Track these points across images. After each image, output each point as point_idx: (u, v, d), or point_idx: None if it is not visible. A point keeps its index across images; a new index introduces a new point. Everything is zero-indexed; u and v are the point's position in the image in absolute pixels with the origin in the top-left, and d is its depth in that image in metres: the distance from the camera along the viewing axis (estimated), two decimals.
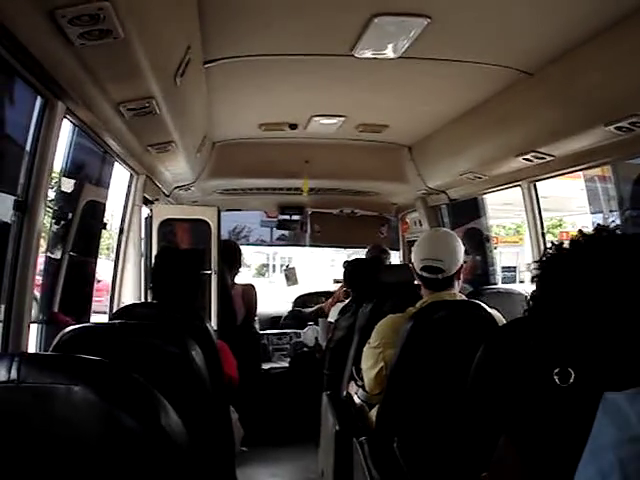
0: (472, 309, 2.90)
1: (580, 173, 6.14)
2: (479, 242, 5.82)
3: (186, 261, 3.19)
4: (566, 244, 1.29)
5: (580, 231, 1.30)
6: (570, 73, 2.95)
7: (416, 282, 3.17)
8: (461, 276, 3.10)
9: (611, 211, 6.04)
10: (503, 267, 6.79)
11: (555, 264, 1.30)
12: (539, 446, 1.28)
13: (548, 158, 3.66)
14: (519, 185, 4.36)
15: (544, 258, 1.32)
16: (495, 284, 5.84)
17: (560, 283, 1.26)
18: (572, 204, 9.56)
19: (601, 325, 1.18)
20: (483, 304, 2.92)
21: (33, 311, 2.51)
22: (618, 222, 5.79)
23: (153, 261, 3.38)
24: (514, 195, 4.62)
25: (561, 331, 1.23)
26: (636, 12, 2.36)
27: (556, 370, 1.21)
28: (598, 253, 1.24)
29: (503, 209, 8.97)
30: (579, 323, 1.21)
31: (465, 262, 3.15)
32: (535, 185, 4.30)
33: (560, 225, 12.42)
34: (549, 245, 1.33)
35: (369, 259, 5.83)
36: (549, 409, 1.26)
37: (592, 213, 7.34)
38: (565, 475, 1.13)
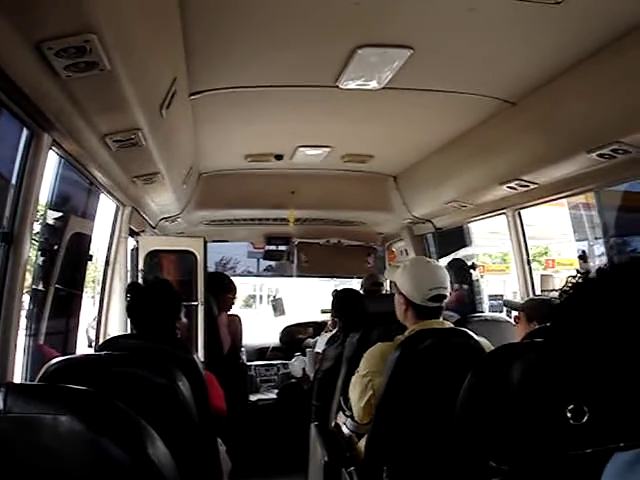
0: (459, 337, 2.90)
1: (564, 201, 6.19)
2: (465, 270, 5.84)
3: (153, 293, 3.20)
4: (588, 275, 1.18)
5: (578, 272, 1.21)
6: (552, 102, 2.99)
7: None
8: None
9: (596, 238, 6.08)
10: (490, 295, 6.81)
11: (581, 293, 1.18)
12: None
13: (532, 186, 3.69)
14: (504, 213, 4.39)
15: (568, 288, 1.19)
16: (482, 312, 5.85)
17: (586, 315, 1.14)
18: (558, 232, 9.63)
19: (624, 364, 1.06)
20: (470, 332, 2.93)
21: (19, 343, 2.49)
22: (603, 250, 5.83)
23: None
24: (500, 224, 4.65)
25: (581, 366, 1.13)
26: (615, 41, 2.41)
27: (570, 407, 1.13)
28: (622, 287, 1.12)
29: (490, 237, 9.01)
30: (602, 359, 1.09)
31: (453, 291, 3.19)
32: (520, 213, 4.34)
33: (546, 253, 12.49)
34: (572, 275, 1.20)
35: (358, 290, 5.83)
36: (556, 445, 1.21)
37: (577, 241, 7.39)
38: None
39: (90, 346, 5.35)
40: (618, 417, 1.08)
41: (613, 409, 1.08)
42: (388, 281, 6.11)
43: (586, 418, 1.11)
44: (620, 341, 1.07)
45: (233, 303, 5.79)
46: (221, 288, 5.42)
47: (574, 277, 1.19)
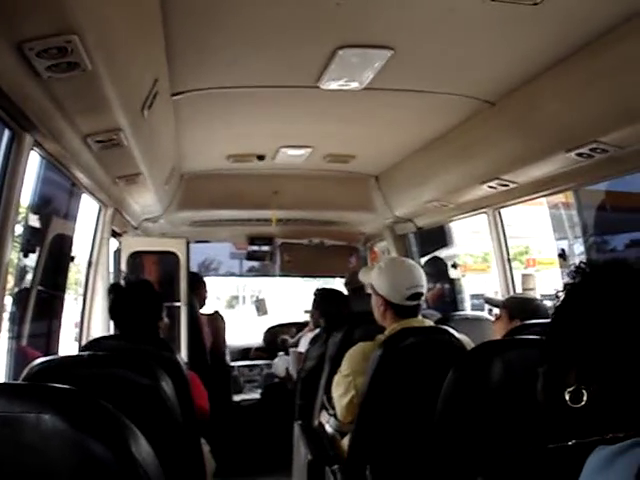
0: (441, 335, 2.93)
1: (544, 200, 6.23)
2: (446, 270, 5.87)
3: (135, 294, 3.21)
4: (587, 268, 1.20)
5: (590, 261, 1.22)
6: (531, 102, 3.02)
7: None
8: None
9: (576, 237, 6.12)
10: (472, 295, 6.84)
11: (585, 284, 1.19)
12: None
13: (511, 185, 3.72)
14: (484, 212, 4.42)
15: (572, 277, 1.20)
16: (463, 310, 5.88)
17: (587, 304, 1.15)
18: (538, 231, 9.69)
19: (625, 349, 1.07)
20: (451, 330, 2.95)
21: (1, 345, 2.49)
22: (582, 248, 5.88)
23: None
24: (482, 223, 4.68)
25: (583, 350, 1.12)
26: (593, 41, 2.44)
27: (569, 389, 1.12)
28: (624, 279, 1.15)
29: (472, 237, 9.06)
30: (603, 343, 1.10)
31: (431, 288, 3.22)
32: (500, 212, 4.37)
33: (527, 252, 12.55)
34: (572, 269, 1.22)
35: (340, 290, 5.83)
36: (537, 439, 1.19)
37: (557, 240, 7.43)
38: None
39: None
40: (613, 408, 1.08)
41: (608, 400, 1.08)
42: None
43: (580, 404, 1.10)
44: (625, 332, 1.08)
45: (206, 297, 5.79)
46: (193, 284, 5.41)
47: (577, 270, 1.20)
